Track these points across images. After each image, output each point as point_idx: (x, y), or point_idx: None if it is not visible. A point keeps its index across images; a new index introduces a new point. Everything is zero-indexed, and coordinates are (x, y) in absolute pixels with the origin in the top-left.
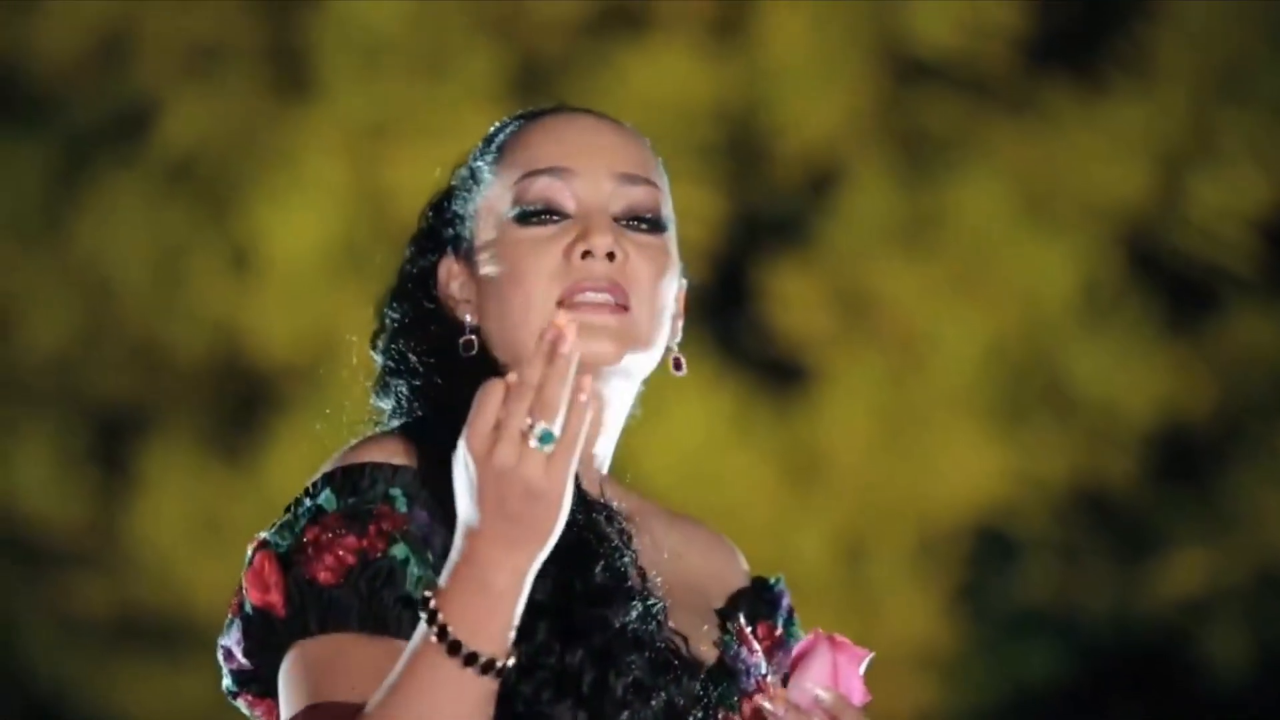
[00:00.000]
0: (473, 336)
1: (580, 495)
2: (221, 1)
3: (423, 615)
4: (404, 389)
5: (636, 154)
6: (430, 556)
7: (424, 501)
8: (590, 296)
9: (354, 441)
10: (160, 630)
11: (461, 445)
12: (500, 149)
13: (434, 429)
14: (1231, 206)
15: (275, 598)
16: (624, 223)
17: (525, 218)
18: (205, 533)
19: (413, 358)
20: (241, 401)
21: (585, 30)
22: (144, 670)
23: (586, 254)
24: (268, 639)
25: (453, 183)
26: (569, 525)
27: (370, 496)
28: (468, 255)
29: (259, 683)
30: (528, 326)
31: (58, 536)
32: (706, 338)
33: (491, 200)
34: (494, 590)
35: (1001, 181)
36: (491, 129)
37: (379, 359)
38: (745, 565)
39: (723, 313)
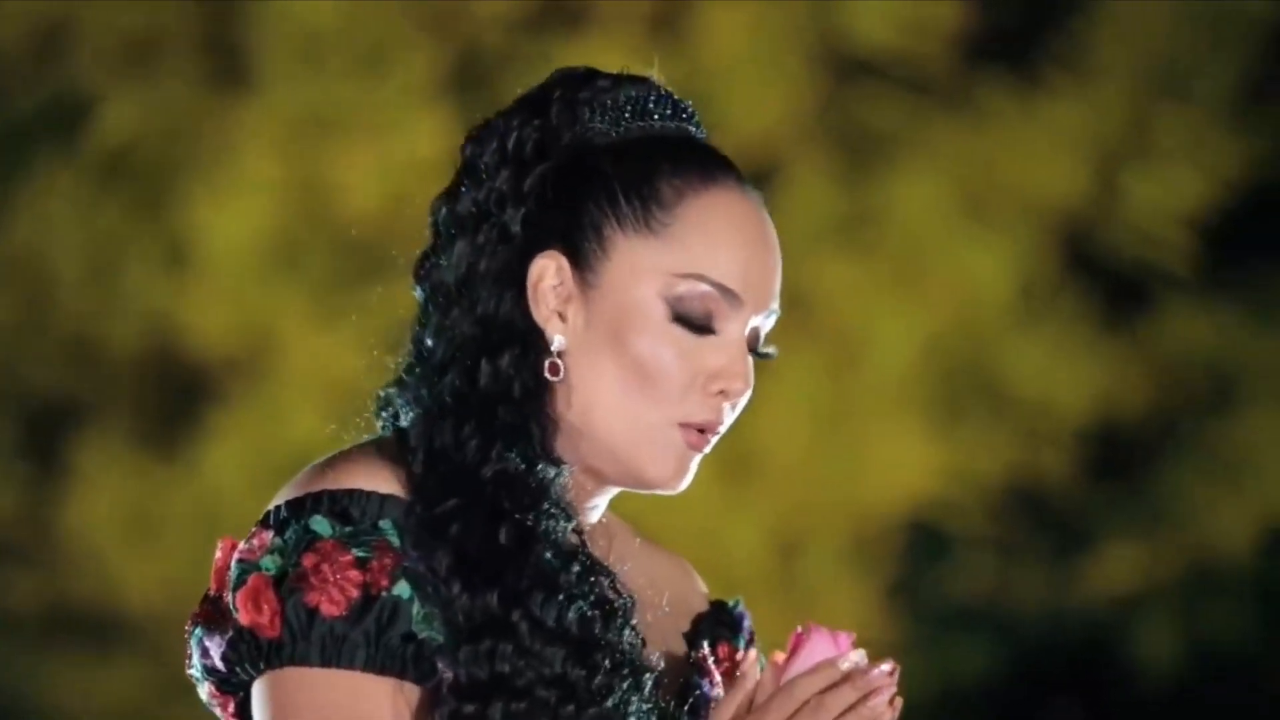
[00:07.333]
0: (559, 360)
1: (592, 561)
2: None
3: None
4: (434, 373)
5: (780, 281)
6: (429, 592)
7: (413, 535)
8: (710, 439)
9: (330, 456)
10: (92, 624)
11: (770, 671)
12: (670, 204)
13: (424, 452)
14: (1168, 205)
15: (266, 619)
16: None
17: (680, 319)
18: (138, 527)
19: (465, 326)
20: (176, 396)
21: (524, 27)
22: (75, 664)
23: (721, 393)
24: (252, 656)
25: (562, 159)
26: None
27: (364, 526)
28: (584, 276)
29: (227, 683)
30: (635, 427)
31: None
32: None
33: (641, 256)
34: None
35: (939, 179)
36: (634, 122)
37: (420, 291)
38: (703, 588)
39: None
